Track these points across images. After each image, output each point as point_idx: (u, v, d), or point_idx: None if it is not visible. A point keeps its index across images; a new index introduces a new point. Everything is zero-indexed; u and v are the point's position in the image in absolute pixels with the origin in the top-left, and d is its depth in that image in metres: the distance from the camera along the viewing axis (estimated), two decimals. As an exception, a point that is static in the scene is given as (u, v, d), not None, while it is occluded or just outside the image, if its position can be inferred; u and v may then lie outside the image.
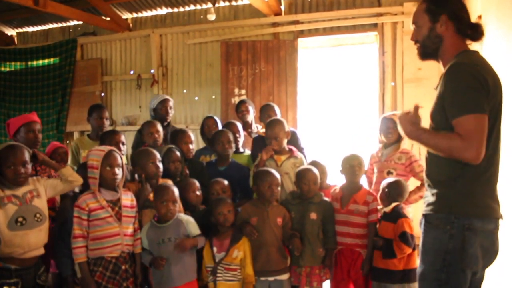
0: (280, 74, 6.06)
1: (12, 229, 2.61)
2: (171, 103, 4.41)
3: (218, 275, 3.06)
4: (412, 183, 3.72)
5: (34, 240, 2.71)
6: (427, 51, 2.22)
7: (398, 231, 3.05)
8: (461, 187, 2.01)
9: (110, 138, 3.58)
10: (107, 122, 4.26)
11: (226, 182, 3.40)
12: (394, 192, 3.23)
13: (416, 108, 2.18)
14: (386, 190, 3.26)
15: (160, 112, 4.33)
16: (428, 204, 2.13)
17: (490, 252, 2.06)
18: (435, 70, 2.20)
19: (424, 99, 2.12)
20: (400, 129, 2.16)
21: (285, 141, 3.63)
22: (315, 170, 3.34)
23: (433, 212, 2.08)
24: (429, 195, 2.15)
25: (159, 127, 3.86)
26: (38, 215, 2.74)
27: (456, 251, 1.98)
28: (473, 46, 2.20)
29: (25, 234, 2.65)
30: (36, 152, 2.98)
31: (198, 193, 3.27)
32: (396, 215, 3.12)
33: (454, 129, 1.95)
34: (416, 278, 3.07)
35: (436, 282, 2.03)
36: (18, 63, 7.95)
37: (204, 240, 3.03)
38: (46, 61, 7.73)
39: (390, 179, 3.37)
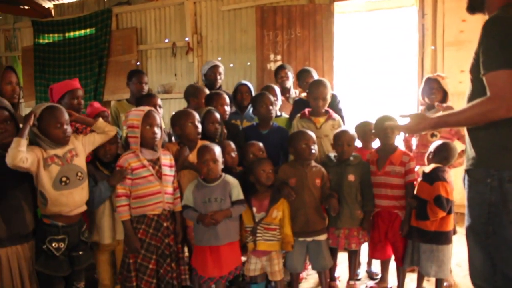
0: (316, 39, 5.94)
1: (57, 189, 2.68)
2: (220, 69, 4.60)
3: (258, 235, 3.08)
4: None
5: (79, 198, 2.79)
6: (473, 4, 2.17)
7: (434, 194, 2.99)
8: (499, 140, 1.97)
9: (147, 101, 3.62)
10: (146, 87, 4.34)
11: (261, 144, 3.38)
12: (440, 154, 3.14)
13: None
14: (432, 151, 3.19)
15: (209, 77, 4.56)
16: (469, 160, 2.12)
17: None
18: (478, 32, 2.09)
19: (466, 63, 2.05)
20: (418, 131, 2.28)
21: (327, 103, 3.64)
22: (351, 131, 3.32)
23: (473, 167, 2.07)
24: (469, 150, 2.14)
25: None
26: (79, 174, 2.80)
27: (499, 203, 1.95)
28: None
29: (70, 194, 2.72)
30: (70, 112, 3.00)
31: (233, 154, 3.27)
32: (434, 177, 3.04)
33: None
34: (449, 240, 3.08)
35: (484, 235, 2.01)
36: (56, 35, 8.10)
37: (244, 207, 3.01)
38: (82, 32, 7.83)
39: (439, 141, 3.26)
